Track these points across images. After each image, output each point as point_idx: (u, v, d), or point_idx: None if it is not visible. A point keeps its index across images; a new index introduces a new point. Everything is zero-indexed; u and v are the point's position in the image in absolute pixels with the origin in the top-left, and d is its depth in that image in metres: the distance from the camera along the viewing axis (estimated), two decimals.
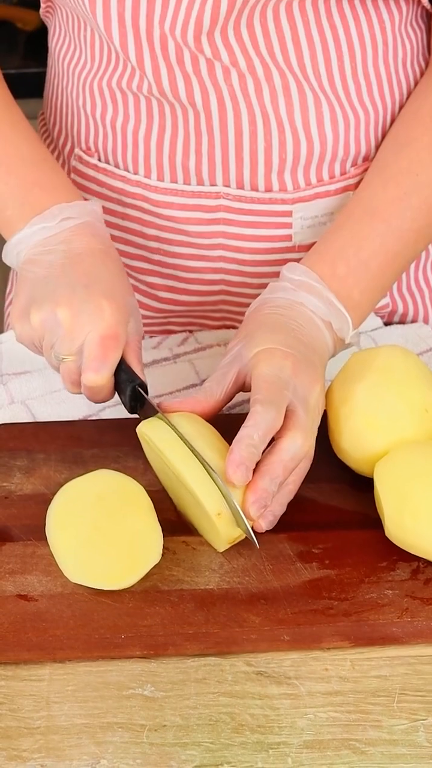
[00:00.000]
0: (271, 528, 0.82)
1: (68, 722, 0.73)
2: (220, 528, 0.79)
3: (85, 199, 0.96)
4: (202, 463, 0.80)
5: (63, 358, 0.87)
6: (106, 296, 0.86)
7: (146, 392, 0.86)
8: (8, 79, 1.86)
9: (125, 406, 0.87)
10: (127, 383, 0.86)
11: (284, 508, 0.83)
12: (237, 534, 0.80)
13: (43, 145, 0.98)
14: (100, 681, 0.76)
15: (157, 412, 0.84)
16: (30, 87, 1.31)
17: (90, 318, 0.85)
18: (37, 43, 1.63)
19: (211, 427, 0.84)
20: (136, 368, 0.88)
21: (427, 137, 0.97)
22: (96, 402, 0.89)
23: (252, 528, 0.81)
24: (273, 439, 0.82)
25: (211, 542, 0.83)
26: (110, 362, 0.85)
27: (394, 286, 1.12)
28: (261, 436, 0.80)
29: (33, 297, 0.88)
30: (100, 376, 0.85)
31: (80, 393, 0.89)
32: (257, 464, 0.81)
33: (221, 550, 0.82)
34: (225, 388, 0.86)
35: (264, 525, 0.82)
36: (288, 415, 0.83)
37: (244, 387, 0.87)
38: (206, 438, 0.82)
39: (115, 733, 0.72)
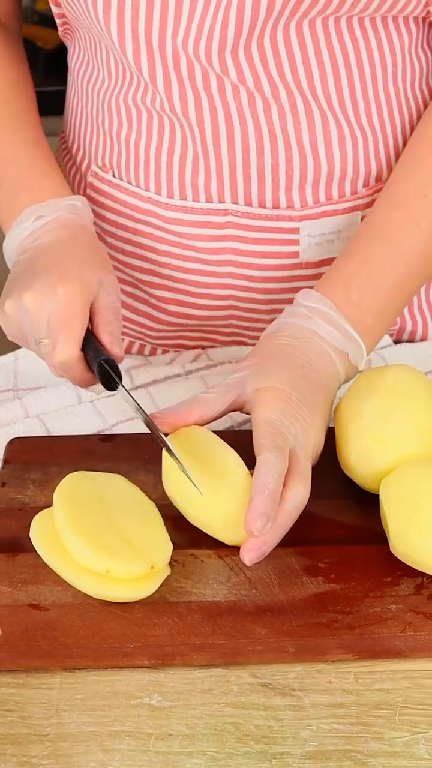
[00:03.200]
0: (252, 564, 0.83)
1: (77, 730, 0.75)
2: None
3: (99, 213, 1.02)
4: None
5: (38, 342, 0.92)
6: (60, 278, 0.90)
7: (116, 368, 0.89)
8: None
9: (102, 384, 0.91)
10: (93, 360, 0.90)
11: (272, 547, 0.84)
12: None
13: (43, 147, 1.04)
14: (109, 690, 0.77)
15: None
16: (50, 105, 1.33)
17: (47, 300, 0.90)
18: (56, 61, 1.66)
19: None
20: (106, 341, 0.91)
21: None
22: (81, 386, 0.94)
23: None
24: None
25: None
26: (72, 338, 0.90)
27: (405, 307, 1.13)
28: (276, 481, 0.82)
29: (7, 290, 0.94)
30: (65, 353, 0.90)
31: (63, 376, 0.94)
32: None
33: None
34: (223, 406, 0.89)
35: (248, 562, 0.82)
36: (289, 460, 0.84)
37: (239, 409, 0.90)
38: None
39: (122, 741, 0.74)
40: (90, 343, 0.90)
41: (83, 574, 0.81)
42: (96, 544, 0.80)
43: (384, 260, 0.96)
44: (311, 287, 0.96)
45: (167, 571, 0.83)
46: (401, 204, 0.98)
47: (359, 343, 0.93)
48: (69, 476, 0.86)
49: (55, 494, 0.84)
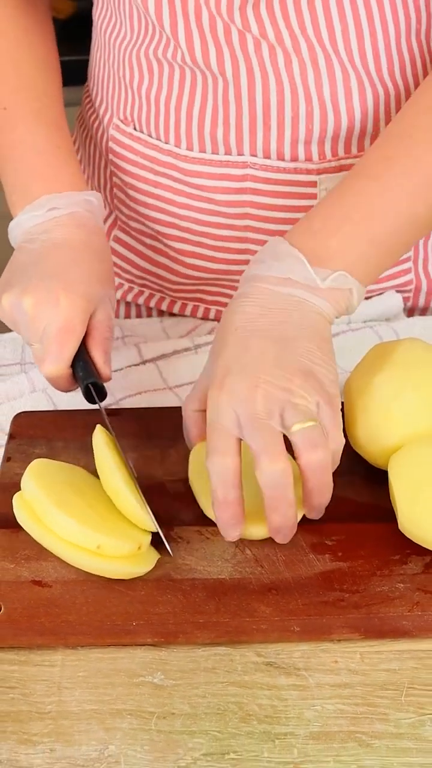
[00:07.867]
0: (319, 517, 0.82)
1: (78, 708, 0.74)
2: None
3: (111, 184, 0.99)
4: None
5: (30, 344, 0.91)
6: (66, 289, 0.89)
7: (103, 390, 0.88)
8: None
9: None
10: (82, 380, 0.89)
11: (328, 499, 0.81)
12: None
13: (63, 133, 1.01)
14: (111, 668, 0.77)
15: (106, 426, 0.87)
16: (64, 75, 1.32)
17: (48, 309, 0.88)
18: (70, 31, 1.64)
19: None
20: (99, 360, 0.89)
21: (424, 99, 0.92)
22: (60, 390, 0.92)
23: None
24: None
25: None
26: (64, 356, 0.88)
27: (419, 263, 1.11)
28: (222, 485, 0.78)
29: (8, 281, 0.92)
30: (54, 368, 0.88)
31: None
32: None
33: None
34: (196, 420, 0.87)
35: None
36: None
37: None
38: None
39: (123, 719, 0.73)
40: (80, 359, 0.89)
41: (76, 550, 0.80)
42: (83, 520, 0.79)
43: (356, 190, 0.88)
44: None
45: (156, 554, 0.82)
46: (384, 143, 0.90)
47: (300, 260, 0.84)
48: (34, 462, 0.84)
49: (26, 477, 0.83)
